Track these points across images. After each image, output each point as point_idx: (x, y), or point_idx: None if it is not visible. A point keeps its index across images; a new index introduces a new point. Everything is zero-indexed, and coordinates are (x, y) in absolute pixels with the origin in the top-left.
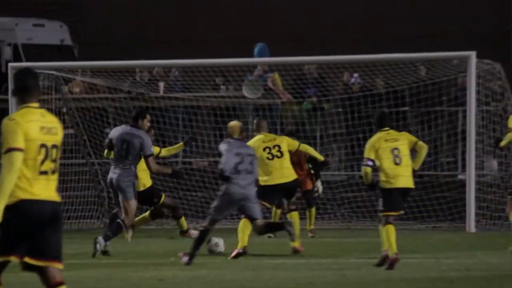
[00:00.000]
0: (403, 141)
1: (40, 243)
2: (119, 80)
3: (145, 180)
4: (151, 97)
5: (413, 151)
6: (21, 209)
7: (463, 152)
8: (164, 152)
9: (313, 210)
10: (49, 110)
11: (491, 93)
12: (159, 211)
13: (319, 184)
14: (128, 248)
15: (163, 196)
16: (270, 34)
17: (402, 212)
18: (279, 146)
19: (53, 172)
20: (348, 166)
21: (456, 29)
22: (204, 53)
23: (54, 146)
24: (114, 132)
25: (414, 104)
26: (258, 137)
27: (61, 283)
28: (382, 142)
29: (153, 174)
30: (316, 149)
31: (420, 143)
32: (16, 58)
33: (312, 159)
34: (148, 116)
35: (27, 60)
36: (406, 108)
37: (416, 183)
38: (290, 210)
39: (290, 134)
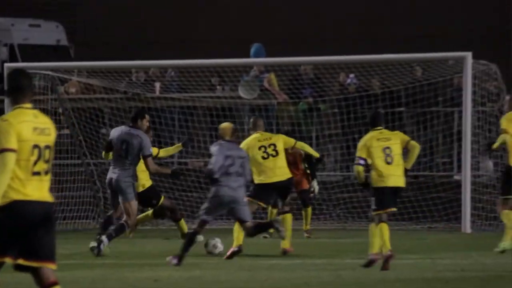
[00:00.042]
0: (395, 140)
1: (33, 244)
2: (115, 81)
3: (144, 180)
4: (147, 98)
5: (407, 151)
6: (14, 210)
7: (459, 153)
8: (162, 153)
9: (309, 210)
10: (45, 110)
11: (487, 93)
12: (162, 211)
13: (315, 184)
14: (123, 249)
15: (162, 198)
16: (268, 35)
17: (394, 209)
18: (274, 145)
19: (46, 172)
20: (344, 166)
21: (456, 29)
22: (203, 54)
23: (47, 146)
24: (114, 133)
25: (410, 105)
26: (254, 136)
27: (55, 283)
28: (374, 141)
29: (152, 175)
30: None
31: (412, 142)
32: (12, 59)
33: (308, 159)
34: (147, 116)
35: (23, 61)
36: (402, 109)
37: (411, 183)
38: (284, 212)
39: (286, 135)
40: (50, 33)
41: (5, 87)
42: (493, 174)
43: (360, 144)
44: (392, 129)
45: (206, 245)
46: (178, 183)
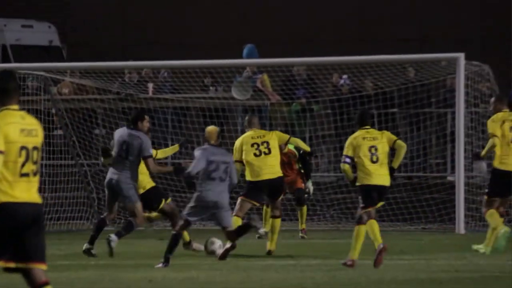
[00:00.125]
0: (382, 139)
1: (23, 245)
2: (108, 81)
3: (145, 182)
4: (140, 98)
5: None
6: (2, 212)
7: (452, 154)
8: (160, 154)
9: (304, 208)
10: (38, 111)
11: (480, 94)
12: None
13: (310, 185)
14: (117, 249)
15: (163, 202)
16: (261, 36)
17: (382, 203)
18: (267, 143)
19: (35, 174)
20: (338, 167)
21: (456, 30)
22: (196, 55)
23: (35, 148)
24: (116, 134)
25: (403, 106)
26: (247, 133)
27: (46, 283)
28: (360, 140)
29: (155, 174)
30: None
31: (399, 141)
32: (5, 59)
33: (302, 159)
34: (146, 117)
35: (15, 61)
36: (395, 110)
37: (405, 184)
38: (274, 217)
39: None
40: (43, 33)
41: None
42: (487, 175)
43: (347, 142)
44: (386, 130)
45: (206, 246)
46: (172, 184)
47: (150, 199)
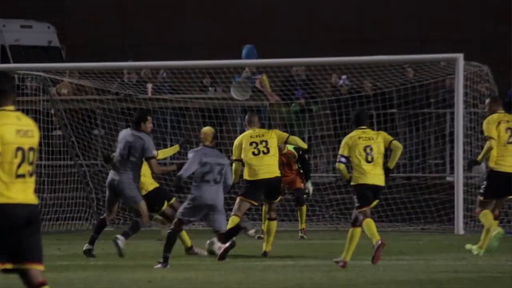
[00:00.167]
0: (377, 140)
1: (20, 246)
2: (107, 82)
3: (147, 184)
4: (139, 99)
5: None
6: None
7: (451, 154)
8: (161, 154)
9: (304, 208)
10: (37, 111)
11: (478, 95)
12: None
13: (309, 185)
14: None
15: (165, 204)
16: (260, 36)
17: (377, 201)
18: (266, 142)
19: (31, 175)
20: (336, 168)
21: (456, 30)
22: (195, 55)
23: (31, 149)
24: (120, 135)
25: (402, 106)
26: (247, 132)
27: (44, 283)
28: (356, 140)
29: (158, 175)
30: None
31: (395, 142)
32: (4, 59)
33: (301, 160)
34: (149, 118)
35: (14, 62)
36: (394, 110)
37: (404, 184)
38: (270, 219)
39: None
40: (42, 34)
41: None
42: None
43: (343, 142)
44: (385, 131)
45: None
46: (170, 185)
47: (152, 201)
